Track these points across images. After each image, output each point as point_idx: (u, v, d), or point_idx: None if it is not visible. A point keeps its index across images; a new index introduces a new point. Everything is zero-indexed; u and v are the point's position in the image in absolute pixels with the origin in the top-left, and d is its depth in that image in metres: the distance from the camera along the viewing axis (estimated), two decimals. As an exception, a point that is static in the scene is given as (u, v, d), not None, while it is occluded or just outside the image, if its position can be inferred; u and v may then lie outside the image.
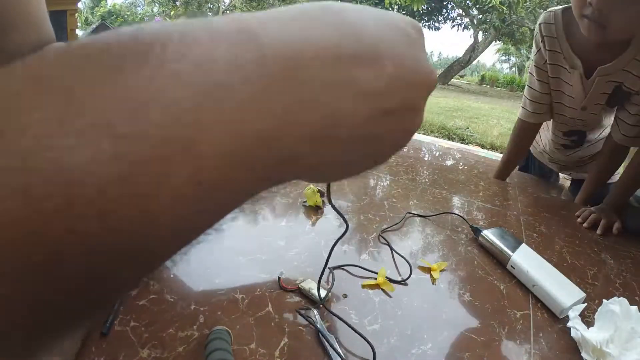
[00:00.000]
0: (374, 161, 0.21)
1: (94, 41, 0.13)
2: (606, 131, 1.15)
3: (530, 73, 1.09)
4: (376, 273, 0.59)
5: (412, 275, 0.61)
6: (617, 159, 1.05)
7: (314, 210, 0.77)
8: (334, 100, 0.17)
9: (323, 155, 0.18)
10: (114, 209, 0.11)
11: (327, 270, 0.56)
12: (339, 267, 0.59)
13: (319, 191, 0.78)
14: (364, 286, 0.55)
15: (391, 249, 0.66)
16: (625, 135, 0.96)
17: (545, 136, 1.28)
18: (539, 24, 1.01)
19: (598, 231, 0.90)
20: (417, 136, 2.59)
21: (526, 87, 1.11)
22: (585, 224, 0.93)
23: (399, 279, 0.59)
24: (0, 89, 0.12)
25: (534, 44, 1.06)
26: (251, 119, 0.14)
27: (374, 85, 0.18)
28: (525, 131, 1.15)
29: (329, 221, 0.74)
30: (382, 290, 0.56)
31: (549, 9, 0.99)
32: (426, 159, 1.52)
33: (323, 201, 0.78)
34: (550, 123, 1.20)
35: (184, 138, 0.12)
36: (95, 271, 0.12)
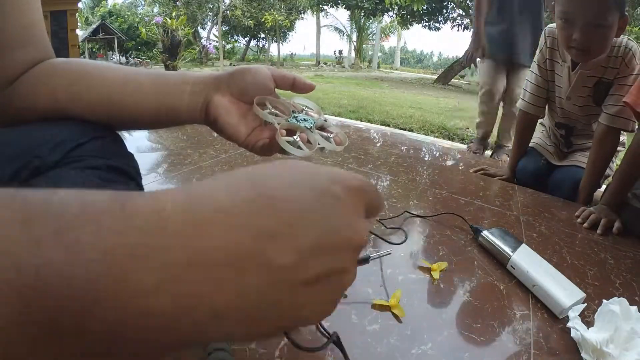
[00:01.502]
0: (296, 326, 0.21)
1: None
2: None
3: (531, 70, 1.27)
4: (378, 282, 0.59)
5: (410, 275, 0.61)
6: (605, 143, 1.12)
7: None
8: (242, 277, 0.17)
9: (230, 327, 0.17)
10: None
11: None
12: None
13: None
14: (374, 306, 0.53)
15: (378, 251, 0.66)
16: (607, 113, 1.09)
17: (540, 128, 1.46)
18: (545, 29, 1.21)
19: (598, 231, 0.90)
20: (417, 136, 2.59)
21: (526, 81, 1.29)
22: (585, 224, 0.94)
23: (381, 278, 0.58)
24: None
25: (538, 47, 1.24)
26: (157, 301, 0.15)
27: (287, 259, 0.17)
28: (525, 122, 1.31)
29: (329, 221, 0.74)
30: (392, 314, 0.52)
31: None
32: (426, 159, 1.52)
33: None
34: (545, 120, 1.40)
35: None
36: None
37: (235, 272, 0.17)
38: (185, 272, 0.16)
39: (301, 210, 0.18)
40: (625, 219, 0.94)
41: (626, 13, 1.02)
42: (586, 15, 0.98)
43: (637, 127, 1.07)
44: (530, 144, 1.41)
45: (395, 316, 0.52)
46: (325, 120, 0.42)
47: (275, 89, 0.42)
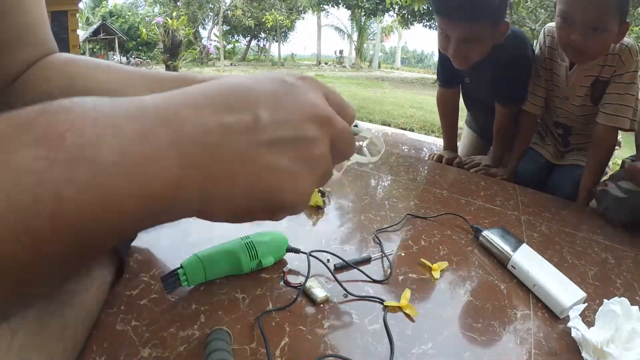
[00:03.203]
0: (272, 198, 0.23)
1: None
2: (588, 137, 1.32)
3: (534, 70, 1.26)
4: (378, 282, 0.59)
5: (411, 275, 0.61)
6: (604, 142, 1.13)
7: (315, 210, 0.77)
8: (213, 141, 0.20)
9: (206, 189, 0.20)
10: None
11: (327, 270, 0.57)
12: (341, 267, 0.59)
13: (319, 191, 0.78)
14: (386, 306, 0.52)
15: (382, 250, 0.66)
16: (604, 112, 1.10)
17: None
18: (544, 28, 1.21)
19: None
20: (418, 136, 2.59)
21: (530, 82, 1.28)
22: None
23: (382, 278, 0.58)
24: None
25: (538, 45, 1.25)
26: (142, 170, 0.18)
27: (247, 125, 0.21)
28: (527, 121, 1.31)
29: (330, 221, 0.74)
30: (405, 314, 0.52)
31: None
32: (427, 158, 1.51)
33: (324, 201, 0.79)
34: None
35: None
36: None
37: (205, 143, 0.20)
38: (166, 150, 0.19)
39: (259, 91, 0.22)
40: (606, 207, 0.95)
41: (628, 20, 1.02)
42: (586, 18, 0.98)
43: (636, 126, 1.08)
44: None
45: (408, 316, 0.52)
46: (356, 126, 0.35)
47: None
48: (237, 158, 0.21)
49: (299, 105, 0.23)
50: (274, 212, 0.24)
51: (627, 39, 1.07)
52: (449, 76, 1.41)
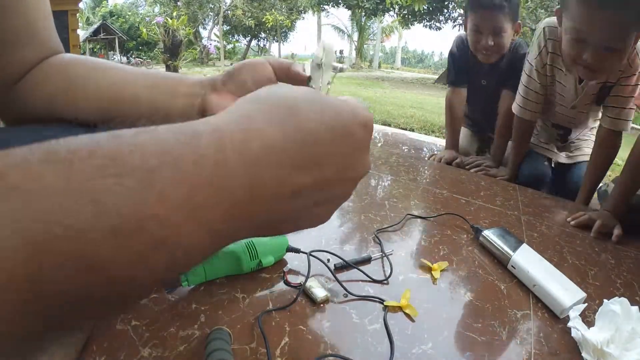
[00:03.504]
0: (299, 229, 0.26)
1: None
2: (591, 131, 1.32)
3: (528, 75, 1.17)
4: (378, 282, 0.59)
5: (411, 275, 0.61)
6: (608, 146, 1.11)
7: (315, 210, 0.77)
8: (275, 197, 0.21)
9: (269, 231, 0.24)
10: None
11: (327, 270, 0.57)
12: (341, 267, 0.59)
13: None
14: (386, 305, 0.52)
15: (382, 250, 0.66)
16: (609, 116, 1.08)
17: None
18: (544, 27, 1.09)
19: (592, 234, 0.86)
20: (418, 136, 2.59)
21: (521, 85, 1.21)
22: (572, 223, 0.90)
23: (383, 278, 0.58)
24: None
25: (535, 47, 1.14)
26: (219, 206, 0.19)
27: (313, 186, 0.22)
28: (522, 127, 1.27)
29: (330, 221, 0.74)
30: (405, 313, 0.52)
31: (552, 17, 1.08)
32: (427, 158, 1.51)
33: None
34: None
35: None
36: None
37: (276, 197, 0.21)
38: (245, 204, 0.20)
39: (326, 151, 0.22)
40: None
41: None
42: (602, 38, 0.89)
43: (633, 126, 1.08)
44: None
45: (408, 316, 0.52)
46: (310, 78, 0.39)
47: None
48: (290, 215, 0.23)
49: (359, 166, 0.25)
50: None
51: None
52: (462, 75, 1.47)
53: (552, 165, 1.42)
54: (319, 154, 0.22)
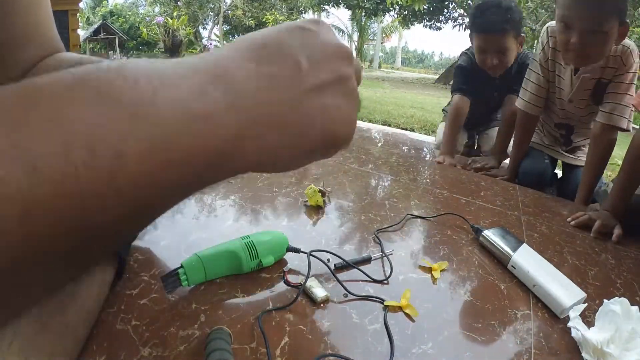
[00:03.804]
0: (326, 135, 0.25)
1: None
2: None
3: (532, 69, 1.26)
4: (378, 282, 0.59)
5: (411, 275, 0.61)
6: (602, 141, 1.13)
7: (315, 210, 0.77)
8: (264, 92, 0.21)
9: (263, 138, 0.21)
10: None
11: (327, 270, 0.57)
12: (341, 267, 0.59)
13: (320, 191, 0.78)
14: (386, 305, 0.52)
15: (382, 250, 0.66)
16: (603, 111, 1.11)
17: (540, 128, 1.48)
18: (547, 27, 1.20)
19: (591, 234, 0.87)
20: (418, 136, 2.59)
21: (526, 80, 1.28)
22: (572, 223, 0.91)
23: (383, 278, 0.58)
24: None
25: (539, 43, 1.24)
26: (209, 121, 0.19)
27: (291, 74, 0.22)
28: (525, 122, 1.30)
29: (330, 221, 0.74)
30: (405, 313, 0.52)
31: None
32: (427, 158, 1.52)
33: (324, 201, 0.79)
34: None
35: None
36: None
37: (260, 90, 0.21)
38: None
39: (289, 42, 0.23)
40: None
41: (627, 21, 1.02)
42: (584, 21, 0.99)
43: (634, 127, 1.09)
44: (530, 144, 1.41)
45: (408, 316, 0.52)
46: None
47: None
48: (287, 104, 0.22)
49: (327, 47, 0.25)
50: (329, 148, 0.25)
51: (628, 41, 1.08)
52: (472, 86, 1.50)
53: (556, 166, 1.44)
54: (275, 47, 0.23)
